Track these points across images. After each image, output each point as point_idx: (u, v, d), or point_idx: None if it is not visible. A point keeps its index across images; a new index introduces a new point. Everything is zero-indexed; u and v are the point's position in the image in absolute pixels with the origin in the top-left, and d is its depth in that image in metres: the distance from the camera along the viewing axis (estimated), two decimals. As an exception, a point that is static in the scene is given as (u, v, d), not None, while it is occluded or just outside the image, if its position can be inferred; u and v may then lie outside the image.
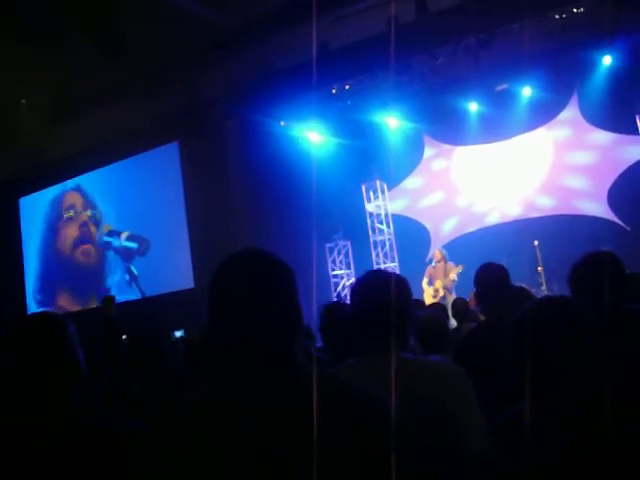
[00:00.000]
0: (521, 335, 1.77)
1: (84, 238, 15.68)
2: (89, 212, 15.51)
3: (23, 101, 14.60)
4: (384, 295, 2.24)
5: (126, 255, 14.87)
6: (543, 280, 10.84)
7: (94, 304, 14.25)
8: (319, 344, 4.11)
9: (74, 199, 15.82)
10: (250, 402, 1.47)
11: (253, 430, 1.43)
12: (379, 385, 1.69)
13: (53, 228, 16.12)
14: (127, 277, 14.68)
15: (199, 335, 3.22)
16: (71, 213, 15.81)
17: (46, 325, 2.05)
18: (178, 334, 10.37)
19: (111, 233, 15.22)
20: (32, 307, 15.99)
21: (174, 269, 13.81)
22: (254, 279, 1.54)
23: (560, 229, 11.74)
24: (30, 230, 16.53)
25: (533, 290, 7.80)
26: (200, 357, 3.19)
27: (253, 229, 12.51)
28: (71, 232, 15.90)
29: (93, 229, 15.53)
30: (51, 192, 16.20)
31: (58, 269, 16.01)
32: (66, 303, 15.49)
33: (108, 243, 15.26)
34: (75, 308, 15.09)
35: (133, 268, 14.62)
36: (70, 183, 15.83)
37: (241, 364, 1.53)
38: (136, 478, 1.58)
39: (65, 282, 15.85)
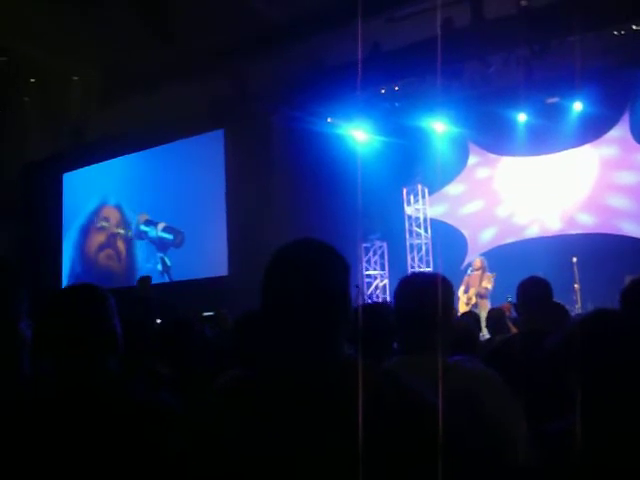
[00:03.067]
0: (572, 346, 1.76)
1: (109, 244, 16.08)
2: (122, 230, 15.75)
3: (74, 78, 14.81)
4: (431, 296, 2.24)
5: (161, 245, 15.01)
6: (578, 298, 10.68)
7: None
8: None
9: (111, 213, 16.10)
10: (292, 389, 1.48)
11: (291, 415, 1.44)
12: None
13: (85, 231, 16.49)
14: (160, 267, 14.80)
15: (238, 318, 3.24)
16: (104, 224, 16.08)
17: (85, 293, 2.11)
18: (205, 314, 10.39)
19: (148, 223, 15.37)
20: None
21: (208, 255, 13.91)
22: (312, 268, 1.56)
23: (600, 248, 11.58)
24: (71, 208, 16.75)
25: (567, 307, 7.72)
26: (236, 340, 3.21)
27: (291, 222, 12.54)
28: (99, 239, 16.30)
29: (120, 243, 15.96)
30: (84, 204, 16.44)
31: (82, 271, 16.42)
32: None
33: (144, 232, 15.42)
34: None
35: (167, 259, 14.75)
36: (112, 199, 16.08)
37: (287, 350, 1.54)
38: (165, 452, 1.60)
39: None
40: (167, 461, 1.57)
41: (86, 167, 16.50)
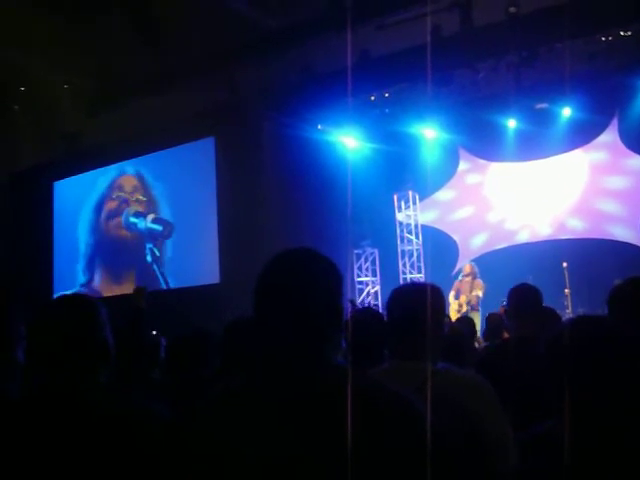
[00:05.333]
0: (557, 351, 1.77)
1: (118, 211, 15.79)
2: (137, 195, 15.53)
3: (65, 86, 14.78)
4: (422, 304, 2.26)
5: (150, 237, 14.96)
6: (569, 303, 10.71)
7: (128, 285, 14.30)
8: None
9: (125, 181, 15.88)
10: (278, 396, 1.48)
11: (279, 424, 1.45)
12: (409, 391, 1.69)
13: (97, 209, 16.22)
14: (149, 259, 14.79)
15: (227, 324, 3.22)
16: (119, 193, 15.87)
17: (77, 305, 2.11)
18: None
19: (137, 214, 15.32)
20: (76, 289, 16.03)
21: (200, 263, 13.87)
22: (306, 278, 1.56)
23: (590, 253, 11.61)
24: (64, 214, 16.67)
25: (559, 313, 7.73)
26: (226, 347, 3.19)
27: (283, 229, 12.52)
28: (109, 206, 16.02)
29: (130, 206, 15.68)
30: (99, 176, 16.26)
31: (95, 247, 16.18)
32: (103, 284, 15.61)
33: (134, 224, 15.37)
34: (111, 288, 15.21)
35: (156, 250, 14.73)
36: (130, 168, 15.81)
37: (277, 359, 1.55)
38: (158, 461, 1.60)
39: (102, 260, 15.97)
40: (159, 469, 1.57)
41: (77, 175, 16.45)
